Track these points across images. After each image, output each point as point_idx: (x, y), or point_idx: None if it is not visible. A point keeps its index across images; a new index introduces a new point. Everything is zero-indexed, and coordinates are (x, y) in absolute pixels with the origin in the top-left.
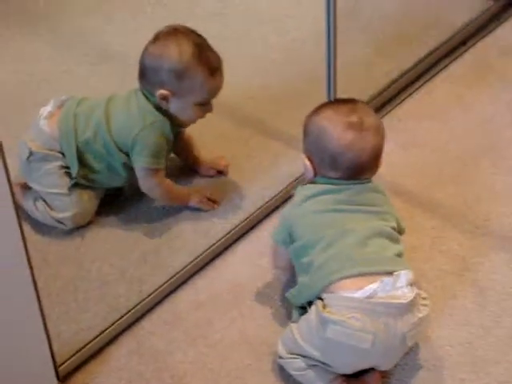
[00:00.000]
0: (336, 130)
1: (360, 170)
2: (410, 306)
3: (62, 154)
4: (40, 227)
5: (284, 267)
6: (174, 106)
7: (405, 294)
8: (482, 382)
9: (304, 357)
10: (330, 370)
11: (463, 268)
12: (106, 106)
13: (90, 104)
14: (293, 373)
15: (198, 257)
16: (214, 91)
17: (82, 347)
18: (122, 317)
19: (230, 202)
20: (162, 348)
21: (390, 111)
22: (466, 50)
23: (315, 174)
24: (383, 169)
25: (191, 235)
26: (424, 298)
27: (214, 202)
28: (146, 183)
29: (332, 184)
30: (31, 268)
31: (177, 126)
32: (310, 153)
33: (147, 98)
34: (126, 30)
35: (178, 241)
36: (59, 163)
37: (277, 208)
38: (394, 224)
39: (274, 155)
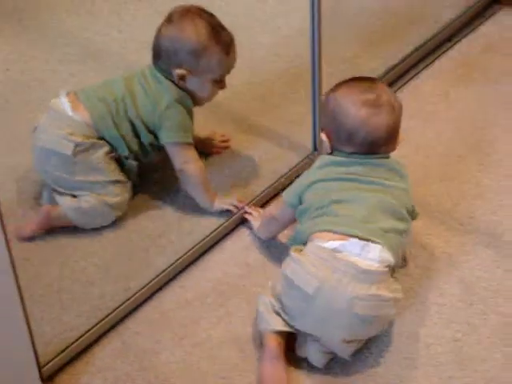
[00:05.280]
0: (352, 107)
1: (374, 146)
2: (371, 276)
3: (103, 139)
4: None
5: (275, 232)
6: (191, 84)
7: (372, 265)
8: (468, 380)
9: (273, 298)
10: (287, 318)
11: (449, 265)
12: (126, 87)
13: (107, 86)
14: (258, 309)
15: (185, 255)
16: (230, 67)
17: (66, 347)
18: (107, 316)
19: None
20: (147, 348)
21: None
22: (451, 47)
23: (332, 148)
24: None
25: (177, 233)
26: (396, 289)
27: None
28: (180, 158)
29: (346, 157)
30: (14, 268)
31: (194, 103)
32: (327, 128)
33: (165, 76)
34: (109, 27)
35: (163, 239)
36: (105, 149)
37: (263, 205)
38: (406, 202)
39: (258, 153)
